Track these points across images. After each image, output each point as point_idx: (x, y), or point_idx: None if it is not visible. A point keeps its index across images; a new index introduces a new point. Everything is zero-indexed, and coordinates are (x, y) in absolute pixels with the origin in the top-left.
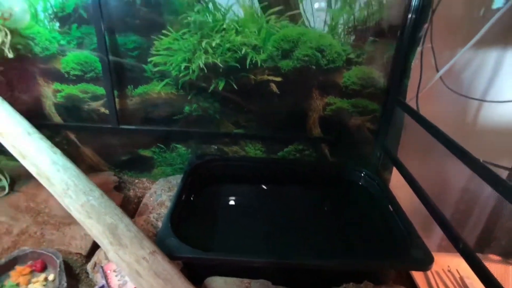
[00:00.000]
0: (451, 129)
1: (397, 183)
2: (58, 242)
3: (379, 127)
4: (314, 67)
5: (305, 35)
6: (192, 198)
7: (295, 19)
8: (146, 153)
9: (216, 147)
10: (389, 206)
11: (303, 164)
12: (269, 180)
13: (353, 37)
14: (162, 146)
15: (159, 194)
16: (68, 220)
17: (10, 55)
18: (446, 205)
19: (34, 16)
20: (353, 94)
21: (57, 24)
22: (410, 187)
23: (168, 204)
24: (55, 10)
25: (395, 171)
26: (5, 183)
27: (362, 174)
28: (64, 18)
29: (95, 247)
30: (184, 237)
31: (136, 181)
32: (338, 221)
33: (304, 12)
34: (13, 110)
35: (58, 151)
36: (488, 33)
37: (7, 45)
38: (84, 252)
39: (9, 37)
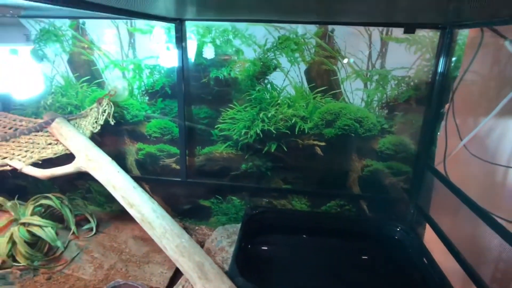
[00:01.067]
0: (477, 192)
1: (431, 238)
2: (140, 277)
3: (412, 186)
4: (353, 134)
5: (345, 109)
6: (249, 246)
7: (337, 96)
8: (206, 203)
9: (266, 200)
10: (424, 259)
11: (344, 218)
12: (313, 231)
13: (386, 111)
14: (219, 197)
15: (220, 240)
16: (146, 259)
17: (112, 122)
18: (483, 263)
19: (131, 92)
20: (388, 157)
21: (147, 98)
22: (443, 243)
23: (228, 249)
24: (146, 87)
25: (428, 227)
26: (93, 225)
27: (398, 229)
28: (152, 94)
29: (171, 283)
30: (246, 277)
31: (196, 228)
32: (376, 272)
33: (345, 91)
34: (119, 167)
35: (155, 201)
36: (509, 103)
37: (111, 115)
38: (163, 287)
39: (112, 108)
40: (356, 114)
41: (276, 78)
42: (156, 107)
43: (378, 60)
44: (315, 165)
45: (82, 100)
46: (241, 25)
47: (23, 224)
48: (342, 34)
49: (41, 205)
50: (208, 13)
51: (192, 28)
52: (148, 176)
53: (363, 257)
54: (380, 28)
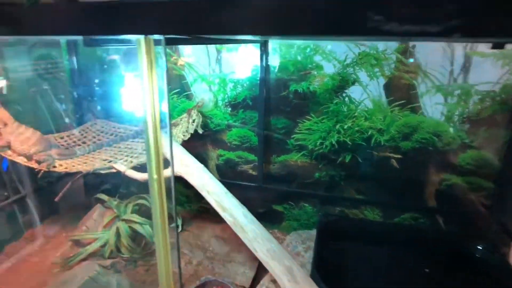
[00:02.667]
0: None
1: None
2: (225, 275)
3: (494, 203)
4: (431, 148)
5: (424, 122)
6: (325, 253)
7: (415, 110)
8: (279, 208)
9: (339, 209)
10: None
11: (419, 231)
12: (387, 242)
13: (467, 126)
14: (292, 203)
15: (295, 245)
16: (229, 258)
17: (200, 131)
18: None
19: (215, 103)
20: (468, 172)
21: (229, 108)
22: None
23: (304, 254)
24: (229, 99)
25: None
26: (179, 223)
27: (480, 247)
28: (234, 105)
29: (254, 282)
30: (326, 283)
31: (270, 231)
32: None
33: (424, 105)
34: (210, 173)
35: (244, 207)
36: None
37: (199, 125)
38: (247, 286)
39: (200, 118)
40: (435, 128)
41: (354, 92)
42: (237, 117)
43: (460, 75)
44: (390, 177)
45: (172, 110)
46: (322, 42)
47: (125, 220)
48: (423, 49)
49: (137, 204)
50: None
51: (275, 46)
52: (226, 180)
53: (438, 273)
54: (464, 43)
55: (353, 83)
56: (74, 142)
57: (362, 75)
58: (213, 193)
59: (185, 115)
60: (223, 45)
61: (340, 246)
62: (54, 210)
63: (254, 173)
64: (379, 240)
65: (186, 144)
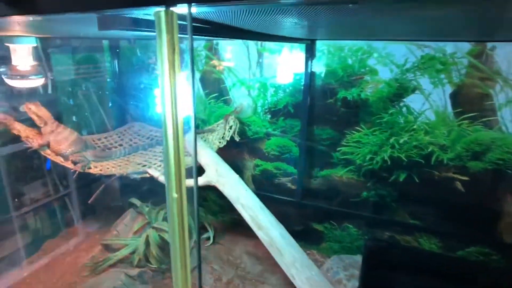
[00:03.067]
0: None
1: None
2: None
3: None
4: (510, 171)
5: (501, 140)
6: (370, 283)
7: (491, 124)
8: (319, 227)
9: (388, 234)
10: None
11: (490, 270)
12: (445, 278)
13: None
14: (334, 223)
15: (336, 271)
16: (261, 279)
17: (237, 138)
18: None
19: (254, 110)
20: None
21: (269, 116)
22: None
23: (346, 283)
24: (269, 106)
25: None
26: (211, 234)
27: None
28: (275, 112)
29: None
30: None
31: (307, 252)
32: None
33: (502, 119)
34: (246, 186)
35: (282, 226)
36: None
37: (236, 131)
38: None
39: (237, 125)
40: None
41: (413, 101)
42: (277, 125)
43: None
44: (453, 202)
45: (209, 115)
46: (378, 44)
47: (155, 228)
48: (506, 52)
49: None
50: (343, 33)
51: (322, 47)
52: (262, 192)
53: None
54: None
55: (413, 91)
56: (111, 144)
57: (425, 81)
58: (248, 208)
59: (222, 121)
60: (265, 47)
61: (389, 277)
62: (91, 211)
63: (292, 186)
64: (437, 275)
65: (221, 152)
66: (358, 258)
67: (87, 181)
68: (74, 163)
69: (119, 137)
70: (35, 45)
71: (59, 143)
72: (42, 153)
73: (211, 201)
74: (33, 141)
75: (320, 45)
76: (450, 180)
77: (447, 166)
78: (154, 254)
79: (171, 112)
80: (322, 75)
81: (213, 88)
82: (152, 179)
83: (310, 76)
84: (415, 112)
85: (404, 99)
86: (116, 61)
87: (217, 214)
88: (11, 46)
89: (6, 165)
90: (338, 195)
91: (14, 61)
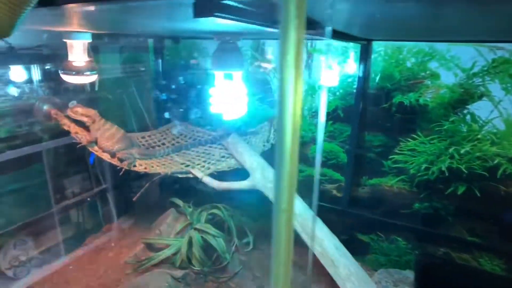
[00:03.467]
0: None
1: None
2: None
3: None
4: None
5: None
6: None
7: None
8: (364, 238)
9: (443, 250)
10: None
11: None
12: None
13: None
14: (381, 235)
15: (386, 286)
16: None
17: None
18: None
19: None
20: None
21: (316, 119)
22: None
23: None
24: (318, 109)
25: None
26: (250, 239)
27: None
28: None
29: None
30: None
31: None
32: None
33: None
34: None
35: (335, 237)
36: None
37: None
38: None
39: None
40: None
41: (480, 108)
42: (325, 129)
43: None
44: None
45: (251, 117)
46: (441, 46)
47: (198, 230)
48: None
49: (211, 213)
50: (404, 33)
51: (379, 48)
52: (305, 199)
53: None
54: None
55: (479, 97)
56: (155, 142)
57: (495, 87)
58: (298, 216)
59: (266, 123)
60: (315, 47)
61: None
62: (130, 207)
63: (338, 194)
64: None
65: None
66: (408, 273)
67: (129, 178)
68: (121, 160)
69: (163, 136)
70: (90, 41)
71: (107, 140)
72: (90, 149)
73: (250, 205)
74: (82, 137)
75: (377, 46)
76: None
77: None
78: (197, 256)
79: (291, 118)
80: (377, 78)
81: (257, 89)
82: (192, 179)
83: (364, 78)
84: (481, 120)
85: (469, 106)
86: (160, 61)
87: (257, 219)
88: (68, 41)
89: (51, 159)
90: (387, 205)
91: (70, 57)
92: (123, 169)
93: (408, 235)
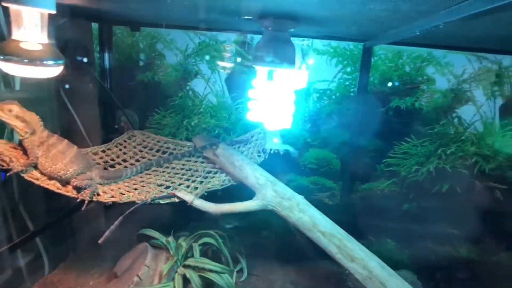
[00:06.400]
0: None
1: None
2: None
3: None
4: None
5: None
6: None
7: None
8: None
9: (430, 246)
10: None
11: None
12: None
13: None
14: (372, 239)
15: None
16: None
17: (282, 151)
18: None
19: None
20: None
21: (309, 124)
22: None
23: None
24: (311, 113)
25: None
26: (243, 265)
27: None
28: (316, 120)
29: None
30: None
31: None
32: None
33: None
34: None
35: (375, 255)
36: None
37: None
38: None
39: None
40: None
41: (464, 112)
42: (317, 135)
43: None
44: (492, 210)
45: (234, 123)
46: (438, 52)
47: (193, 268)
48: None
49: (202, 244)
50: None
51: (379, 52)
52: None
53: None
54: None
55: (466, 102)
56: (112, 159)
57: (478, 93)
58: (331, 236)
59: (258, 129)
60: (312, 46)
61: None
62: (69, 249)
63: (330, 202)
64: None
65: None
66: (404, 273)
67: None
68: (78, 189)
69: (120, 150)
70: (54, 12)
71: (54, 161)
72: (26, 177)
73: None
74: (11, 157)
75: (377, 49)
76: (491, 189)
77: (488, 175)
78: None
79: None
80: (376, 81)
81: (242, 91)
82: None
83: (365, 82)
84: (465, 123)
85: (457, 110)
86: (107, 52)
87: (244, 239)
88: (12, 7)
89: None
90: (379, 208)
91: (16, 34)
92: (85, 203)
93: (397, 236)
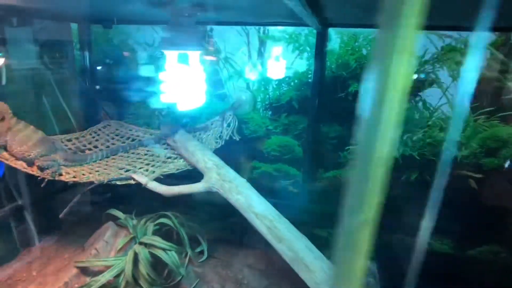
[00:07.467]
0: None
1: None
2: None
3: None
4: None
5: None
6: None
7: (509, 119)
8: (321, 232)
9: (399, 237)
10: None
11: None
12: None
13: None
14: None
15: None
16: None
17: (237, 138)
18: None
19: (253, 105)
20: None
21: (270, 112)
22: None
23: None
24: (271, 101)
25: None
26: (204, 247)
27: None
28: (276, 108)
29: None
30: None
31: None
32: None
33: None
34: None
35: (305, 237)
36: None
37: (235, 130)
38: None
39: (236, 123)
40: None
41: (430, 95)
42: (278, 122)
43: None
44: (465, 200)
45: (200, 111)
46: None
47: (144, 244)
48: None
49: (158, 224)
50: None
51: (335, 36)
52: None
53: None
54: None
55: (430, 85)
56: (84, 146)
57: (443, 74)
58: (263, 217)
59: (217, 118)
60: (269, 34)
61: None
62: (55, 226)
63: (294, 190)
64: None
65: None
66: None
67: (53, 190)
68: (41, 168)
69: (94, 137)
70: None
71: (20, 143)
72: None
73: (199, 208)
74: None
75: (333, 32)
76: (464, 178)
77: (461, 163)
78: (144, 275)
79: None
80: (333, 66)
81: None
82: (133, 185)
83: (321, 67)
84: (431, 107)
85: (421, 93)
86: (87, 50)
87: (208, 223)
88: None
89: None
90: (343, 197)
91: None
92: (45, 180)
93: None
